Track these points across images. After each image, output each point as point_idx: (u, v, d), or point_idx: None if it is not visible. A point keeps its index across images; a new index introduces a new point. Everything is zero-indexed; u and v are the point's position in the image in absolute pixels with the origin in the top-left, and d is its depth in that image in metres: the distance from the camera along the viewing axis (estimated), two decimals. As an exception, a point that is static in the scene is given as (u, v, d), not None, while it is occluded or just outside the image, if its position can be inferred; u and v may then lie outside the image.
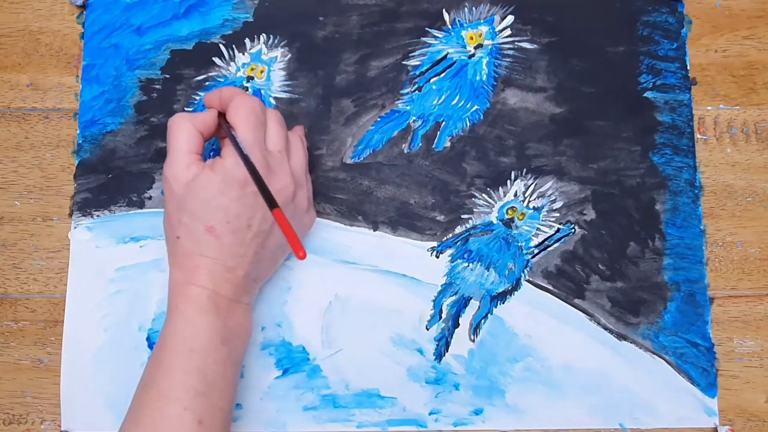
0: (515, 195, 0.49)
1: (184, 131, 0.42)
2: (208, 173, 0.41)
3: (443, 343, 0.47)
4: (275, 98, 0.50)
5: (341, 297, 0.47)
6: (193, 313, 0.40)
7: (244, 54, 0.50)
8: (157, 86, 0.50)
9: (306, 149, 0.46)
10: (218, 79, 0.50)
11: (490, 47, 0.50)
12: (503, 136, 0.49)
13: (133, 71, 0.50)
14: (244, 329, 0.42)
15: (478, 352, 0.47)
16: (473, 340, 0.47)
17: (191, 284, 0.40)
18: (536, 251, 0.48)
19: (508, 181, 0.49)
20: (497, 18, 0.51)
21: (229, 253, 0.41)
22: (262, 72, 0.50)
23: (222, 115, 0.44)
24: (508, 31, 0.50)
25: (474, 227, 0.48)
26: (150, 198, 0.49)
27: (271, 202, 0.38)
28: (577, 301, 0.47)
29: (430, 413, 0.46)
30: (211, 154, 0.49)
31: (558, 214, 0.48)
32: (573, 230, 0.48)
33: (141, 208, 0.48)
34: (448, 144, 0.49)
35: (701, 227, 0.48)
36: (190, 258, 0.41)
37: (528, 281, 0.48)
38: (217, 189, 0.40)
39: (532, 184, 0.49)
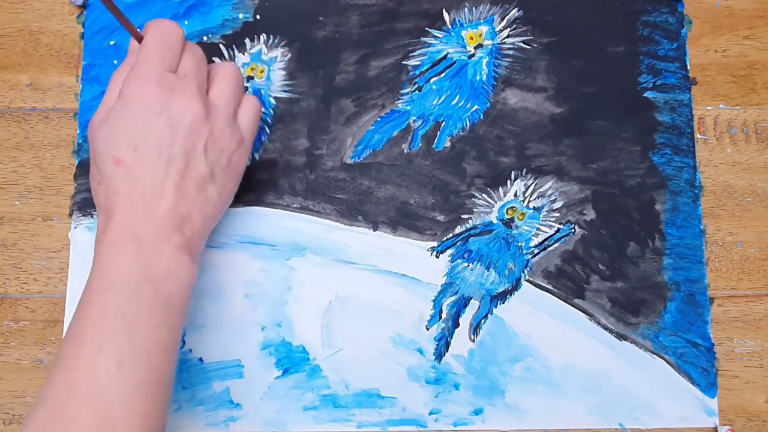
0: (515, 195, 0.49)
1: (112, 84, 0.41)
2: (110, 113, 0.39)
3: (443, 343, 0.47)
4: (275, 98, 0.50)
5: (341, 297, 0.47)
6: (110, 254, 0.37)
7: (244, 54, 0.50)
8: (157, 86, 0.50)
9: (257, 106, 0.44)
10: (218, 79, 0.50)
11: (490, 47, 0.50)
12: (503, 136, 0.49)
13: (133, 71, 0.50)
14: (178, 270, 0.38)
15: (478, 352, 0.47)
16: (473, 340, 0.47)
17: (109, 227, 0.37)
18: (536, 251, 0.48)
19: (508, 181, 0.49)
20: (497, 18, 0.51)
21: (143, 184, 0.38)
22: (262, 72, 0.50)
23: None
24: (508, 31, 0.50)
25: (474, 227, 0.48)
26: (150, 198, 0.48)
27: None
28: (577, 301, 0.47)
29: (430, 413, 0.46)
30: None
31: (558, 214, 0.48)
32: (573, 230, 0.48)
33: (141, 208, 0.48)
34: (448, 144, 0.49)
35: (701, 227, 0.48)
36: (106, 199, 0.38)
37: (528, 281, 0.48)
38: (117, 117, 0.38)
39: (532, 184, 0.49)
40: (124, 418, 0.34)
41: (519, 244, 0.48)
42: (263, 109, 0.49)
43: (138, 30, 0.42)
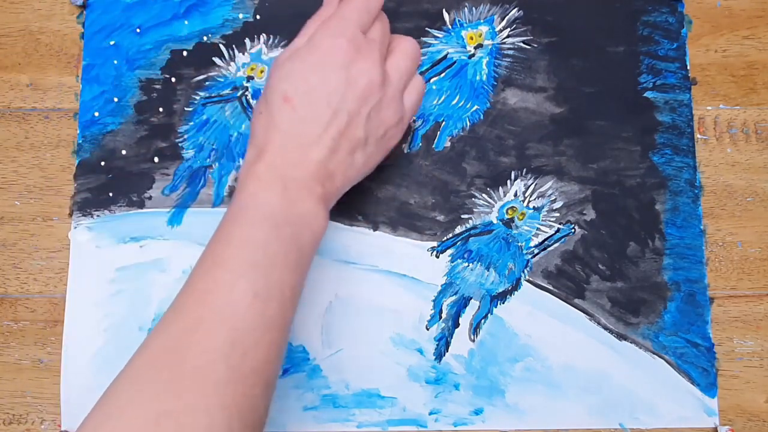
0: (515, 195, 0.49)
1: (306, 28, 0.41)
2: (298, 51, 0.40)
3: (443, 343, 0.47)
4: (275, 98, 0.50)
5: (341, 297, 0.47)
6: (256, 188, 0.37)
7: (244, 54, 0.50)
8: (157, 86, 0.50)
9: (422, 89, 0.44)
10: (218, 79, 0.50)
11: (490, 47, 0.50)
12: (503, 136, 0.49)
13: (133, 71, 0.50)
14: (314, 220, 0.38)
15: (478, 352, 0.47)
16: (473, 340, 0.47)
17: (260, 161, 0.38)
18: (536, 251, 0.48)
19: (508, 181, 0.49)
20: (497, 18, 0.51)
21: (304, 128, 0.38)
22: (262, 72, 0.50)
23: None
24: (508, 31, 0.50)
25: (474, 227, 0.48)
26: (150, 198, 0.49)
27: None
28: (577, 301, 0.47)
29: (430, 413, 0.46)
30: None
31: (558, 214, 0.48)
32: (573, 230, 0.48)
33: (141, 208, 0.48)
34: (448, 144, 0.49)
35: (701, 227, 0.48)
36: (264, 132, 0.39)
37: (528, 281, 0.48)
38: (301, 60, 0.39)
39: (532, 184, 0.49)
40: (253, 344, 0.35)
41: (519, 244, 0.48)
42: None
43: None
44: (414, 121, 0.49)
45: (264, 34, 0.50)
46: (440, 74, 0.50)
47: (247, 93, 0.50)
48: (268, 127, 0.39)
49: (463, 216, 0.48)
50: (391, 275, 0.48)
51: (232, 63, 0.50)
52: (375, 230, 0.48)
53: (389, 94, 0.41)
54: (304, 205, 0.38)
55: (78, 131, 0.49)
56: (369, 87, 0.39)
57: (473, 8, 0.51)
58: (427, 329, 0.47)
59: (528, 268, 0.48)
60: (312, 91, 0.39)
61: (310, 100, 0.39)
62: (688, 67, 0.50)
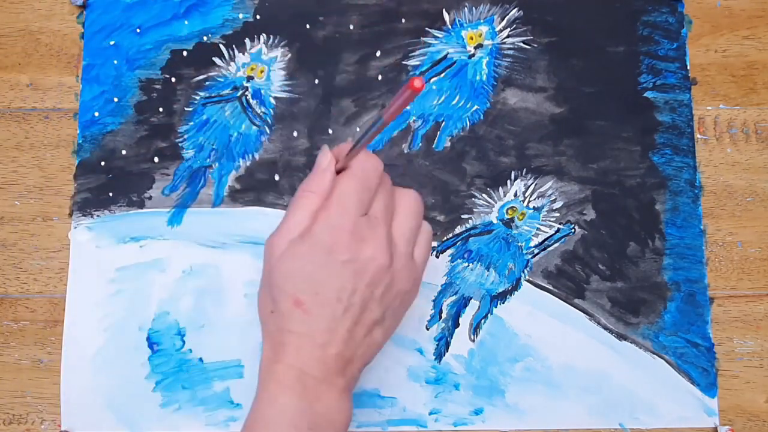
0: (515, 195, 0.49)
1: (300, 208, 0.39)
2: (296, 242, 0.38)
3: (443, 343, 0.47)
4: (275, 98, 0.50)
5: (341, 297, 0.47)
6: (277, 392, 0.37)
7: (244, 54, 0.50)
8: (157, 86, 0.50)
9: (430, 238, 0.42)
10: (218, 79, 0.50)
11: (490, 47, 0.50)
12: (503, 136, 0.49)
13: (133, 71, 0.50)
14: (338, 415, 0.38)
15: (478, 352, 0.47)
16: (473, 340, 0.47)
17: (278, 362, 0.38)
18: (536, 251, 0.48)
19: (508, 181, 0.49)
20: (497, 18, 0.51)
21: (318, 329, 0.37)
22: (262, 72, 0.50)
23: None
24: (508, 31, 0.50)
25: (474, 227, 0.48)
26: (150, 198, 0.49)
27: None
28: (577, 301, 0.47)
29: (430, 413, 0.46)
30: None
31: (558, 214, 0.48)
32: (573, 230, 0.48)
33: (141, 208, 0.48)
34: (448, 144, 0.49)
35: (701, 227, 0.48)
36: (279, 334, 0.38)
37: (528, 281, 0.48)
38: (303, 257, 0.38)
39: (532, 184, 0.49)
40: None
41: (519, 244, 0.48)
42: (263, 109, 0.49)
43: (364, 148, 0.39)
44: (414, 121, 0.50)
45: (264, 34, 0.50)
46: (440, 74, 0.50)
47: (247, 93, 0.50)
48: (281, 328, 0.38)
49: (463, 216, 0.48)
50: (391, 275, 0.48)
51: (232, 63, 0.50)
52: (375, 230, 0.48)
53: (400, 266, 0.39)
54: (326, 401, 0.38)
55: (78, 131, 0.49)
56: (378, 272, 0.38)
57: (473, 8, 0.51)
58: (427, 329, 0.47)
59: (528, 268, 0.48)
60: (321, 292, 0.37)
61: (320, 301, 0.37)
62: (688, 67, 0.50)
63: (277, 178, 0.49)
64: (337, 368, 0.38)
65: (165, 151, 0.49)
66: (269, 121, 0.49)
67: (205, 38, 0.50)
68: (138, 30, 0.50)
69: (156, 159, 0.49)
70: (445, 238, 0.48)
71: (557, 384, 0.47)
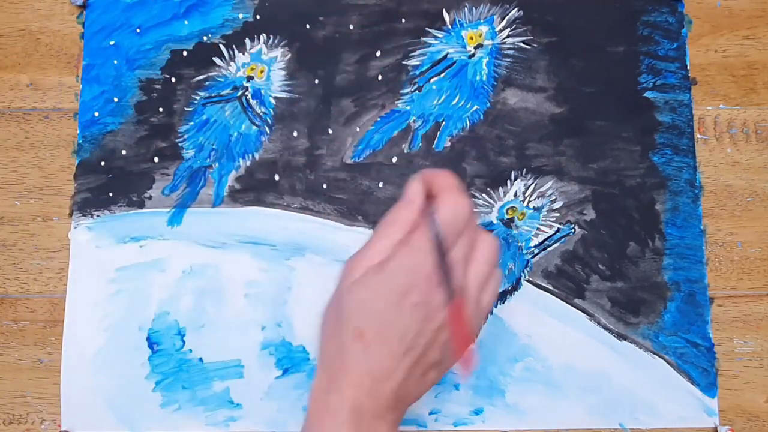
0: (515, 195, 0.49)
1: (383, 237, 0.38)
2: (373, 271, 0.37)
3: (443, 343, 0.47)
4: (275, 98, 0.50)
5: (341, 297, 0.47)
6: (330, 424, 0.37)
7: (244, 54, 0.50)
8: (157, 86, 0.50)
9: (499, 285, 0.41)
10: (218, 79, 0.50)
11: (490, 47, 0.50)
12: (503, 136, 0.49)
13: (133, 71, 0.50)
14: None
15: (478, 352, 0.47)
16: (473, 340, 0.47)
17: (333, 392, 0.37)
18: (536, 251, 0.48)
19: (508, 181, 0.49)
20: (497, 18, 0.51)
21: (377, 365, 0.37)
22: (262, 72, 0.50)
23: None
24: (508, 31, 0.50)
25: (474, 227, 0.48)
26: (150, 198, 0.49)
27: (450, 294, 0.35)
28: (577, 301, 0.47)
29: (430, 413, 0.46)
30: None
31: (558, 214, 0.48)
32: (573, 230, 0.48)
33: (141, 208, 0.48)
34: (448, 144, 0.49)
35: (701, 227, 0.48)
36: (336, 363, 0.38)
37: (528, 281, 0.48)
38: (375, 290, 0.37)
39: (532, 184, 0.49)
40: None
41: (519, 244, 0.48)
42: (263, 109, 0.49)
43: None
44: (414, 121, 0.50)
45: (264, 34, 0.50)
46: (440, 74, 0.50)
47: (247, 93, 0.50)
48: (340, 357, 0.38)
49: (463, 216, 0.48)
50: (391, 275, 0.48)
51: (232, 63, 0.50)
52: (375, 230, 0.48)
53: (467, 312, 0.38)
54: None
55: (78, 131, 0.49)
56: (446, 318, 0.37)
57: (473, 8, 0.51)
58: (427, 329, 0.47)
59: (528, 268, 0.48)
60: (386, 330, 0.37)
61: (384, 339, 0.37)
62: (688, 67, 0.50)
63: (277, 178, 0.49)
64: (390, 404, 0.38)
65: (165, 151, 0.49)
66: (269, 121, 0.49)
67: (205, 38, 0.50)
68: (138, 30, 0.50)
69: (156, 159, 0.49)
70: (445, 238, 0.48)
71: (557, 384, 0.47)
